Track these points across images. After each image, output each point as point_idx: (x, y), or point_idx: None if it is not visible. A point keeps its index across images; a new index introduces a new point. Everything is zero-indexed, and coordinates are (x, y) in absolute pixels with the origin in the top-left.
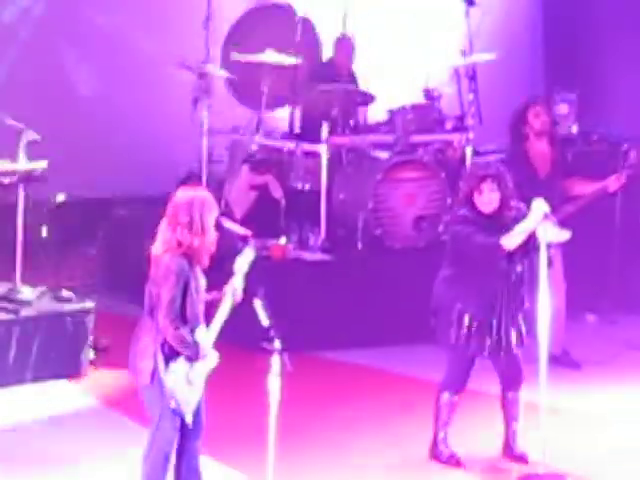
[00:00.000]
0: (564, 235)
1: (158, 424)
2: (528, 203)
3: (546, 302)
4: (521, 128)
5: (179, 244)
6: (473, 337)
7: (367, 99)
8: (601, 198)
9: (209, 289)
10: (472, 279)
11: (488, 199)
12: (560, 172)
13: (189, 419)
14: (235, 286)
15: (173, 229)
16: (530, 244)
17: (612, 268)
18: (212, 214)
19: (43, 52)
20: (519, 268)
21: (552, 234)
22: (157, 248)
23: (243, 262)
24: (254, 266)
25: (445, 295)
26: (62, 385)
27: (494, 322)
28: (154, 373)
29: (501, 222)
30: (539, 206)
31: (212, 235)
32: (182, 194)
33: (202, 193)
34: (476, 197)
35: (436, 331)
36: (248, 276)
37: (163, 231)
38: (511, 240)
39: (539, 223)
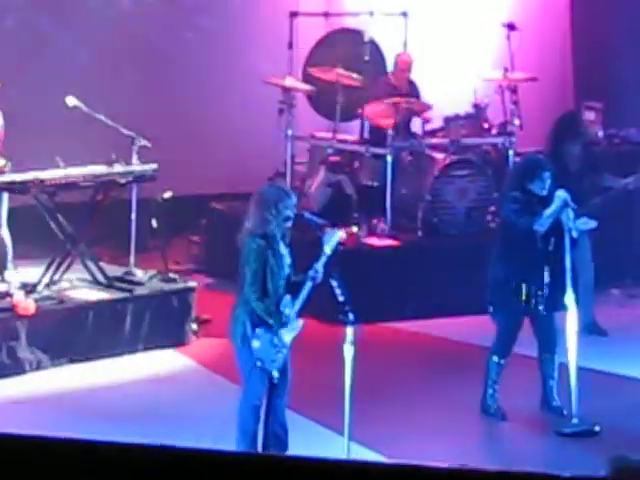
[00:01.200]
0: (590, 224)
1: (248, 381)
2: None
3: (570, 278)
4: (567, 133)
5: (256, 228)
6: (525, 305)
7: (425, 108)
8: (623, 194)
9: (298, 270)
10: (519, 254)
11: (546, 184)
12: (588, 168)
13: (276, 375)
14: (317, 269)
15: (250, 216)
16: (558, 228)
17: (634, 250)
18: (278, 204)
19: (150, 74)
20: (552, 246)
21: (578, 221)
22: (241, 234)
23: (332, 241)
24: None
25: (498, 272)
26: (169, 353)
27: (538, 291)
28: (244, 337)
29: (549, 202)
30: (560, 194)
31: (278, 220)
32: (258, 188)
33: (267, 188)
34: (533, 182)
35: (491, 302)
36: (330, 258)
37: (246, 219)
38: (542, 224)
39: (561, 208)
